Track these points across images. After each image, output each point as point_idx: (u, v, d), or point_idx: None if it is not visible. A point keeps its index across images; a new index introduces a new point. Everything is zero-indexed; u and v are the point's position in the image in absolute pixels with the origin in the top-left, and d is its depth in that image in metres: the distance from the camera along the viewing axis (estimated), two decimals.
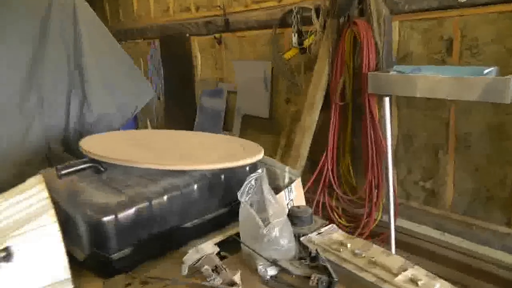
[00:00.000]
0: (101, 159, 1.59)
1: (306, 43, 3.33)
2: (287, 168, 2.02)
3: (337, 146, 3.15)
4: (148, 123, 5.02)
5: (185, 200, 1.55)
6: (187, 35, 4.29)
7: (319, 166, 3.13)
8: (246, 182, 1.52)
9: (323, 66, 3.13)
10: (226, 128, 4.14)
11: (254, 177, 1.54)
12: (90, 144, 1.73)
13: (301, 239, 1.49)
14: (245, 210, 1.42)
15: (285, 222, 1.42)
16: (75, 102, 2.79)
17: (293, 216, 1.63)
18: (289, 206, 1.95)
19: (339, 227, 2.94)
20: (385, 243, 2.79)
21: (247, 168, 1.72)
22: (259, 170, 1.55)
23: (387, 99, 2.71)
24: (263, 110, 3.77)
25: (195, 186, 1.58)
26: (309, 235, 1.50)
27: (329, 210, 3.17)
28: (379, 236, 2.94)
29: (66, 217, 1.43)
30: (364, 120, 2.93)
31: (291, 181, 2.02)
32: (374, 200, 2.93)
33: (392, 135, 2.80)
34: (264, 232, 1.35)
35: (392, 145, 2.80)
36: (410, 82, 2.58)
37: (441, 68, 2.61)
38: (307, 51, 3.34)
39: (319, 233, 1.53)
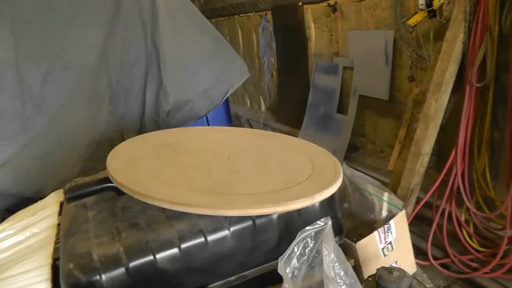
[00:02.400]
0: (121, 188, 1.23)
1: (436, 3, 2.57)
2: (386, 196, 1.46)
3: (471, 141, 2.39)
4: (262, 102, 4.66)
5: (213, 251, 1.13)
6: (300, 3, 3.74)
7: (447, 165, 2.41)
8: (295, 242, 1.03)
9: (457, 33, 2.36)
10: (341, 109, 3.57)
11: (309, 232, 1.04)
12: (118, 160, 1.40)
13: None
14: None
15: None
16: (151, 87, 2.52)
17: (382, 287, 1.11)
18: (386, 252, 1.41)
19: (468, 251, 2.28)
20: None
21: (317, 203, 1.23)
22: (320, 222, 1.04)
23: None
24: (382, 90, 3.10)
25: (229, 232, 1.15)
26: None
27: (456, 225, 2.45)
28: None
29: None
30: (510, 108, 2.14)
31: (391, 215, 1.46)
32: None
33: None
34: None
35: None
36: None
37: None
38: (438, 14, 2.58)
39: None
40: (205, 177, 1.29)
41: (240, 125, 5.11)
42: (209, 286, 1.14)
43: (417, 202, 2.55)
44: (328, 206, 1.24)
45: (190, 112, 2.61)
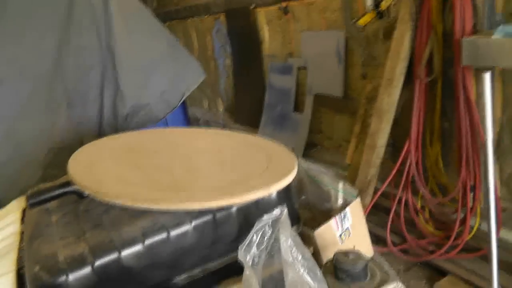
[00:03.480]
0: (83, 189, 1.25)
1: (384, 4, 2.70)
2: (340, 185, 1.53)
3: (423, 132, 2.52)
4: (220, 103, 4.71)
5: (176, 246, 1.15)
6: (252, 6, 3.81)
7: (401, 156, 2.53)
8: (253, 230, 1.07)
9: (404, 32, 2.49)
10: (298, 108, 3.66)
11: (267, 220, 1.09)
12: (78, 164, 1.41)
13: None
14: (247, 280, 0.99)
15: None
16: (108, 92, 2.51)
17: (339, 268, 1.17)
18: (343, 239, 1.48)
19: (425, 235, 2.40)
20: (485, 261, 2.17)
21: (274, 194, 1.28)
22: (277, 210, 1.09)
23: (487, 74, 2.02)
24: (336, 88, 3.21)
25: (191, 226, 1.18)
26: None
27: (413, 211, 2.58)
28: (477, 251, 2.30)
29: None
30: (457, 100, 2.27)
31: (346, 203, 1.54)
32: (470, 203, 2.29)
33: (493, 119, 2.10)
34: None
35: (493, 132, 2.10)
36: None
37: None
38: (385, 14, 2.72)
39: None
40: (165, 176, 1.33)
41: (201, 125, 5.14)
42: (174, 280, 1.17)
43: (375, 193, 2.66)
44: (285, 197, 1.30)
45: (148, 115, 2.61)
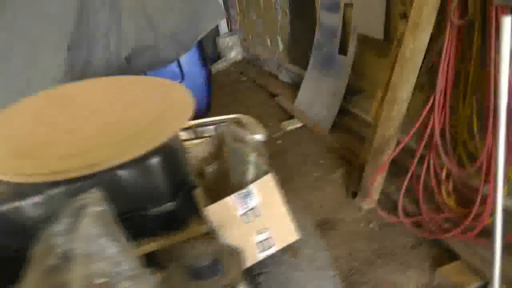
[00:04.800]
0: None
1: None
2: (252, 158, 1.33)
3: (453, 86, 2.06)
4: (279, 41, 4.40)
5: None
6: None
7: (423, 114, 2.12)
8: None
9: None
10: (344, 50, 3.25)
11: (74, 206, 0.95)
12: None
13: None
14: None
15: None
16: (112, 32, 2.48)
17: (181, 263, 1.03)
18: (249, 219, 1.29)
19: (444, 209, 2.05)
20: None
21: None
22: (89, 195, 0.95)
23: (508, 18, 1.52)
24: (377, 28, 2.76)
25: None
26: None
27: (434, 179, 2.19)
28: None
29: None
30: (488, 50, 1.79)
31: (256, 178, 1.33)
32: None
33: None
34: None
35: None
36: None
37: None
38: None
39: None
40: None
41: (261, 65, 4.95)
42: None
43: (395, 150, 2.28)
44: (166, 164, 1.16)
45: (154, 58, 2.54)
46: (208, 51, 5.35)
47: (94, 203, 0.92)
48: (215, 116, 3.77)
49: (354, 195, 2.56)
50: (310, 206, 2.55)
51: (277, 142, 3.43)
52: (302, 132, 3.52)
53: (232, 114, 3.98)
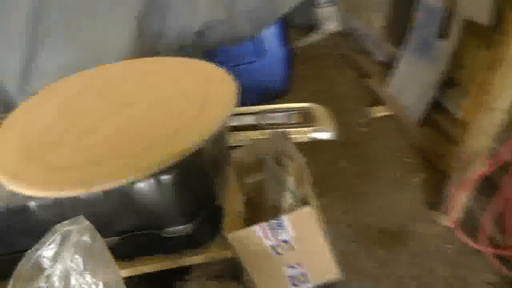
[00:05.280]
0: None
1: None
2: (291, 184, 1.16)
3: None
4: (377, 18, 3.99)
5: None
6: None
7: None
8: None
9: None
10: (444, 35, 2.83)
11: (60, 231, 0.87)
12: None
13: None
14: None
15: None
16: (185, 3, 2.38)
17: None
18: (280, 252, 1.14)
19: None
20: None
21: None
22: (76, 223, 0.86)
23: None
24: (483, 11, 2.33)
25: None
26: None
27: None
28: None
29: None
30: None
31: (292, 207, 1.16)
32: None
33: None
34: None
35: None
36: None
37: None
38: None
39: None
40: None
41: (356, 41, 4.58)
42: None
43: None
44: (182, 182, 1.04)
45: (228, 33, 2.42)
46: (300, 22, 5.12)
47: (80, 233, 0.83)
48: (292, 96, 3.59)
49: (432, 206, 2.26)
50: (380, 212, 2.30)
51: (361, 130, 3.16)
52: (389, 121, 3.21)
53: (314, 92, 3.73)
